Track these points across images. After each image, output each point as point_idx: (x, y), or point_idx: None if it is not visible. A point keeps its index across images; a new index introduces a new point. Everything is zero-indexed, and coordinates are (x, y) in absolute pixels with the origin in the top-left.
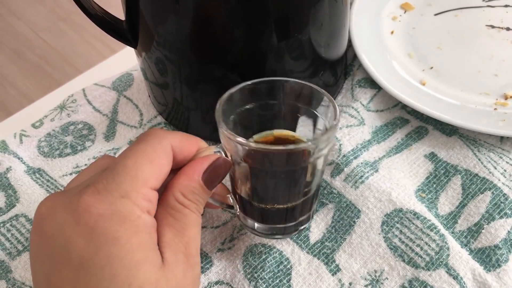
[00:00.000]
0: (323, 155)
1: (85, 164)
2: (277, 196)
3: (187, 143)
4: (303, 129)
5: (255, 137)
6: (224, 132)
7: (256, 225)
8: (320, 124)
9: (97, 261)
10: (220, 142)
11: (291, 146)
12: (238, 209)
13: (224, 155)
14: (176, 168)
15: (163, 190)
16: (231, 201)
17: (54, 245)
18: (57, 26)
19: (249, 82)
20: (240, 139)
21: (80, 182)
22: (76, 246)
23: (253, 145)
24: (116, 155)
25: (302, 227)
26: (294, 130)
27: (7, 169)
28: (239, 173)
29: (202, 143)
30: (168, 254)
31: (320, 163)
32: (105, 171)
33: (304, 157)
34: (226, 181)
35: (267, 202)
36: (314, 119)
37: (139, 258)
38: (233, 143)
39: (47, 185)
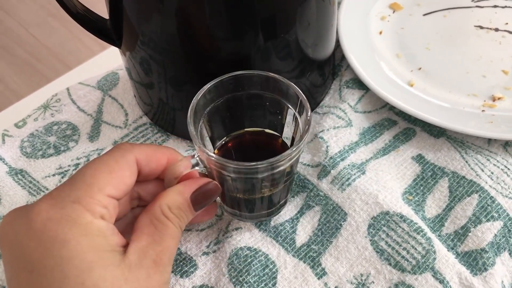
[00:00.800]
0: (299, 153)
1: (68, 165)
2: (257, 190)
3: (155, 155)
4: (273, 118)
5: (228, 132)
6: (200, 150)
7: (238, 212)
8: (290, 112)
9: (47, 262)
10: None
11: (268, 163)
12: (220, 200)
13: (201, 163)
14: (153, 180)
15: (151, 201)
16: None
17: (12, 252)
18: (47, 22)
19: (213, 81)
20: (213, 155)
21: None
22: (28, 250)
23: (231, 165)
24: None
25: (281, 203)
26: (265, 120)
27: None
28: (217, 176)
29: (174, 154)
30: (132, 256)
31: (297, 160)
32: (66, 180)
33: (282, 164)
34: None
35: (246, 194)
36: (282, 107)
37: (91, 258)
38: (213, 162)
39: (30, 187)
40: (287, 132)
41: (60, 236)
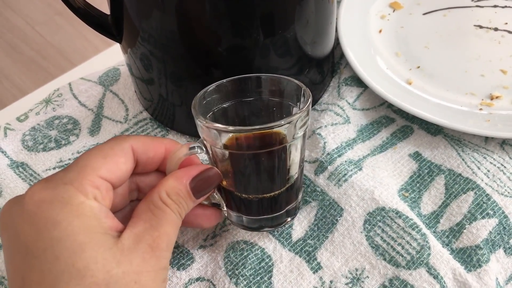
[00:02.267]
0: (299, 137)
1: (69, 159)
2: (260, 184)
3: (152, 144)
4: (279, 118)
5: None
6: (201, 122)
7: (244, 218)
8: (295, 113)
9: (39, 244)
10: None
11: (265, 126)
12: (224, 206)
13: (204, 149)
14: (154, 172)
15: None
16: (217, 198)
17: (9, 236)
18: (53, 20)
19: (223, 81)
20: (218, 125)
21: None
22: (22, 233)
23: (231, 128)
24: None
25: (290, 218)
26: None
27: None
28: (221, 166)
29: (172, 143)
30: (126, 240)
31: (297, 147)
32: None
33: (280, 138)
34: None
35: (251, 191)
36: (290, 110)
37: (83, 239)
38: (212, 132)
39: (30, 179)
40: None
41: (52, 217)
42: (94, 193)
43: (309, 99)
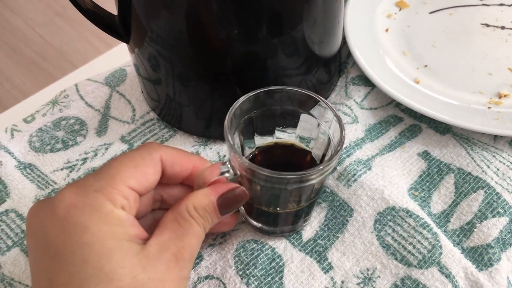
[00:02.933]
0: (332, 168)
1: (76, 160)
2: (285, 202)
3: (180, 158)
4: (304, 133)
5: (258, 143)
6: (235, 157)
7: (262, 226)
8: (321, 129)
9: (68, 247)
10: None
11: (299, 175)
12: (244, 211)
13: (231, 170)
14: (179, 184)
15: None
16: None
17: (37, 238)
18: (53, 21)
19: (248, 95)
20: (252, 166)
21: None
22: (51, 236)
23: (264, 172)
24: (108, 151)
25: (305, 224)
26: (295, 134)
27: None
28: (248, 186)
29: (201, 161)
30: (152, 248)
31: (328, 177)
32: (93, 172)
33: (312, 179)
34: None
35: (274, 207)
36: (314, 123)
37: (111, 245)
38: (246, 168)
39: (38, 181)
40: (318, 148)
41: (82, 223)
42: (122, 202)
43: (341, 146)
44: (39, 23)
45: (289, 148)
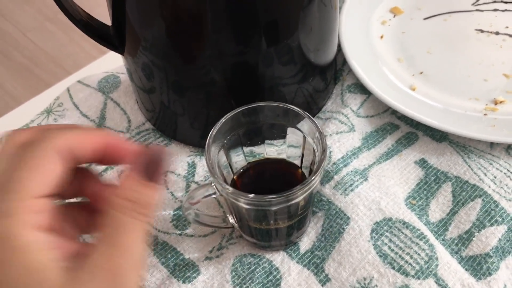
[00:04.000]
0: (316, 184)
1: None
2: (274, 220)
3: (85, 138)
4: (292, 148)
5: (248, 159)
6: (216, 181)
7: (256, 241)
8: (307, 142)
9: None
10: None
11: (280, 197)
12: (238, 228)
13: (217, 192)
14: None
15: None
16: (230, 222)
17: None
18: (44, 26)
19: (230, 114)
20: (235, 193)
21: None
22: None
23: (244, 198)
24: None
25: (301, 236)
26: (284, 149)
27: None
28: (236, 210)
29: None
30: (82, 273)
31: (313, 193)
32: None
33: (297, 197)
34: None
35: (265, 224)
36: (300, 138)
37: (29, 281)
38: (227, 194)
39: None
40: (306, 161)
41: None
42: (35, 220)
43: (323, 163)
44: (30, 28)
45: (279, 162)
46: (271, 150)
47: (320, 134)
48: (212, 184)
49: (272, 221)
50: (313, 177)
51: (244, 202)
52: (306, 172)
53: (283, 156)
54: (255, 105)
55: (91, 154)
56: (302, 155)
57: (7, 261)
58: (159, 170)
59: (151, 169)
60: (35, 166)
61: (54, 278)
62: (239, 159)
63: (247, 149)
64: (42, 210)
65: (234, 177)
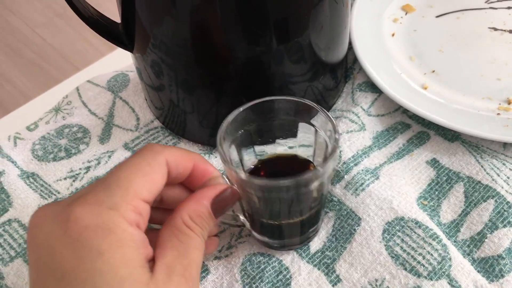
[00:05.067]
0: (328, 175)
1: (80, 168)
2: (285, 212)
3: (183, 159)
4: (304, 142)
5: (259, 156)
6: (230, 168)
7: (267, 239)
8: (319, 136)
9: (79, 274)
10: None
11: (292, 181)
12: (249, 226)
13: (228, 183)
14: (176, 184)
15: (171, 212)
16: (241, 219)
17: (41, 254)
18: (53, 22)
19: (243, 107)
20: (242, 176)
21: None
22: (60, 257)
23: (257, 181)
24: (111, 158)
25: (312, 235)
26: (296, 144)
27: (0, 172)
28: (247, 199)
29: (200, 160)
30: (160, 274)
31: (325, 183)
32: (99, 183)
33: (309, 183)
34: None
35: (276, 218)
36: (312, 132)
37: (123, 274)
38: (239, 179)
39: (41, 190)
40: (319, 156)
41: (95, 247)
42: (137, 219)
43: (337, 149)
44: (39, 23)
45: (291, 159)
46: (282, 148)
47: (331, 120)
48: (223, 175)
49: (284, 215)
50: (327, 162)
51: (257, 187)
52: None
53: (295, 152)
54: (267, 99)
55: (187, 172)
56: (314, 150)
57: (106, 250)
58: (225, 210)
59: (220, 206)
60: (149, 172)
61: (140, 274)
62: (250, 156)
63: (258, 148)
64: (142, 212)
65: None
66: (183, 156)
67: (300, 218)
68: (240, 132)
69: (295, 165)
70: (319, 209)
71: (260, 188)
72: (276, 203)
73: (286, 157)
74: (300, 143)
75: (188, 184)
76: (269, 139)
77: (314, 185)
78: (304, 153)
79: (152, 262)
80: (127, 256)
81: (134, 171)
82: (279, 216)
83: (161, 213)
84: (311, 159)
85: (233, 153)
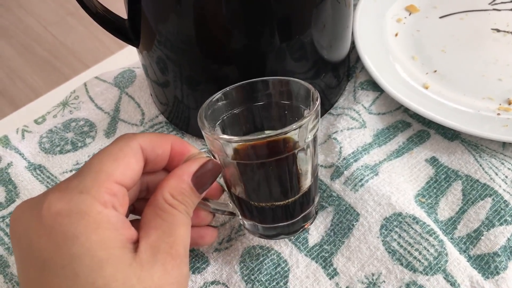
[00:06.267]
0: (310, 141)
1: (85, 161)
2: (272, 192)
3: (158, 141)
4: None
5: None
6: (206, 133)
7: (259, 227)
8: (304, 113)
9: (58, 260)
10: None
11: (272, 133)
12: (239, 214)
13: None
14: (161, 171)
15: (153, 192)
16: (231, 206)
17: (21, 247)
18: (65, 21)
19: (229, 87)
20: (223, 136)
21: None
22: (38, 246)
23: (235, 138)
24: None
25: (307, 224)
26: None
27: (8, 164)
28: (230, 174)
29: (177, 140)
30: (144, 254)
31: (308, 152)
32: (73, 174)
33: (289, 144)
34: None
35: (264, 200)
36: (300, 112)
37: (102, 256)
38: (218, 143)
39: (47, 182)
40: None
41: (70, 231)
42: (111, 201)
43: (317, 102)
44: (51, 22)
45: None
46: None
47: (307, 86)
48: (206, 150)
49: (269, 194)
50: (308, 116)
51: (235, 149)
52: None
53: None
54: (248, 82)
55: (166, 153)
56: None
57: (81, 233)
58: (207, 184)
59: (202, 181)
60: (121, 156)
61: (121, 255)
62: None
63: (244, 131)
64: (117, 194)
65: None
66: (158, 138)
67: (287, 200)
68: (225, 114)
69: (278, 145)
70: (309, 192)
71: (239, 147)
72: (257, 174)
73: (267, 140)
74: (286, 124)
75: (171, 169)
76: (257, 126)
77: (293, 149)
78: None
79: (137, 244)
80: (104, 237)
81: (105, 156)
82: (265, 196)
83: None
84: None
85: (217, 131)
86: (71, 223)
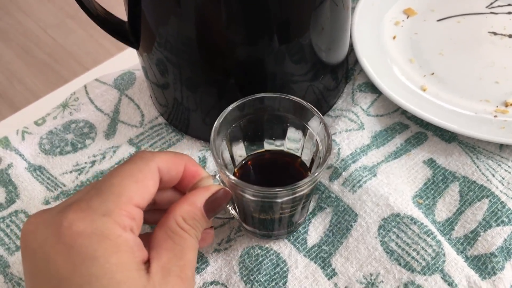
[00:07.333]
0: (320, 178)
1: (85, 162)
2: (277, 211)
3: (174, 163)
4: (293, 139)
5: (248, 151)
6: (223, 174)
7: (258, 231)
8: (310, 135)
9: (75, 280)
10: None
11: (289, 188)
12: (238, 217)
13: (221, 184)
14: (170, 188)
15: (164, 214)
16: (231, 212)
17: (35, 262)
18: (65, 24)
19: (236, 103)
20: (241, 184)
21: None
22: (55, 264)
23: (251, 189)
24: (116, 153)
25: (299, 223)
26: (284, 140)
27: (8, 165)
28: (239, 196)
29: (190, 162)
30: (156, 276)
31: (316, 184)
32: (91, 189)
33: (302, 190)
34: None
35: (266, 214)
36: (303, 129)
37: (119, 278)
38: (233, 185)
39: (47, 183)
40: (306, 153)
41: (90, 253)
42: (130, 225)
43: (330, 145)
44: (51, 25)
45: (279, 154)
46: (271, 146)
47: (324, 125)
48: (217, 176)
49: (274, 212)
50: (319, 170)
51: (250, 193)
52: (306, 162)
53: (283, 148)
54: (258, 96)
55: (179, 175)
56: (303, 146)
57: (101, 255)
58: (218, 210)
59: (213, 207)
60: (141, 179)
61: (137, 277)
62: (241, 152)
63: (247, 141)
64: (135, 217)
65: (235, 169)
66: (173, 160)
67: (290, 213)
68: (231, 128)
69: (283, 160)
70: (308, 202)
71: (254, 194)
72: (269, 204)
73: (274, 152)
74: (288, 139)
75: (178, 186)
76: (258, 133)
77: (307, 189)
78: (291, 148)
79: (147, 263)
80: (122, 260)
81: (126, 177)
82: (269, 212)
83: (154, 214)
84: (298, 154)
85: (224, 150)
86: (91, 245)
